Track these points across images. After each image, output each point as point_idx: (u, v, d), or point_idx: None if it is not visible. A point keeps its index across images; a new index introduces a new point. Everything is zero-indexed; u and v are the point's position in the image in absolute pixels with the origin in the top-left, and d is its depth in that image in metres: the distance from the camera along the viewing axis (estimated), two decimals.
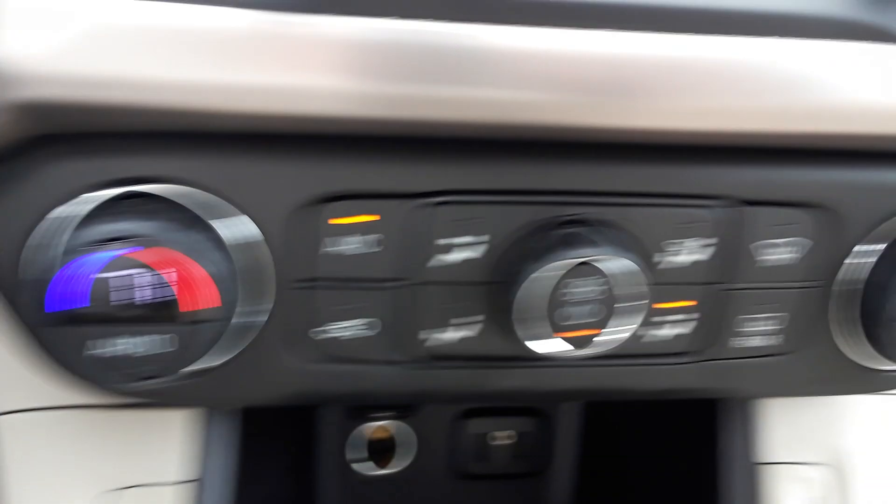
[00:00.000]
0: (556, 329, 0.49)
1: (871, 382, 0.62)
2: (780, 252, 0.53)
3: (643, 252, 0.52)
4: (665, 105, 0.48)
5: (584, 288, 0.48)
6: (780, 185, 0.52)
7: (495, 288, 0.50)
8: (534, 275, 0.48)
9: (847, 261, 0.55)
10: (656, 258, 0.53)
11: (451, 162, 0.48)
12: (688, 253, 0.53)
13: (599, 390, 0.57)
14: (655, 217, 0.51)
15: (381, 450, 1.08)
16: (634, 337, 0.55)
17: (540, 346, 0.50)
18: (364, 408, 1.03)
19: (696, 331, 0.55)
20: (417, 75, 0.45)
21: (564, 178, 0.50)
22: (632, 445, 0.96)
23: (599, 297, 0.48)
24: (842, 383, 0.61)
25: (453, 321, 0.51)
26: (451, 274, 0.50)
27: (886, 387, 0.64)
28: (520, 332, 0.49)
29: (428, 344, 0.52)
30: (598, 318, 0.49)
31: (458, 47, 0.44)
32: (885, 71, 0.49)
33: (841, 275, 0.56)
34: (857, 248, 0.55)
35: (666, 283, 0.53)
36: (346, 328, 0.50)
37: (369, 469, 1.04)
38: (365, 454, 1.03)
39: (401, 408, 1.04)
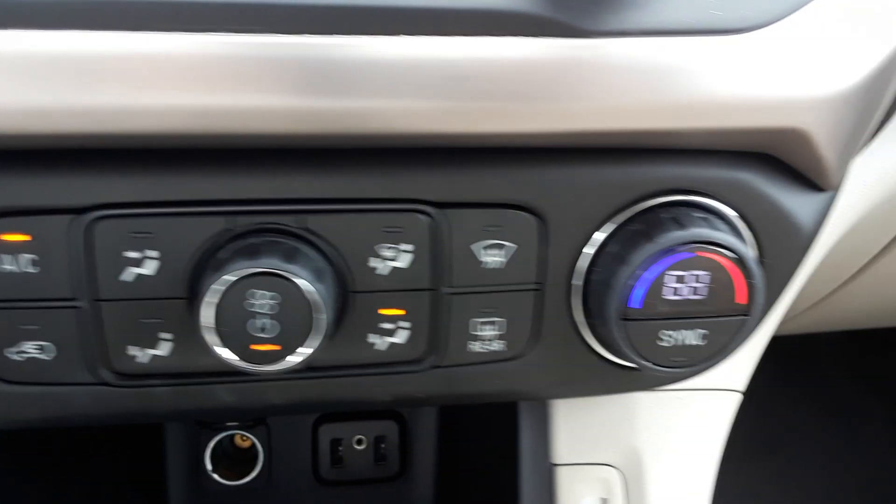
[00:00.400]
0: (235, 344, 0.47)
1: (633, 380, 0.60)
2: (491, 256, 0.52)
3: (344, 260, 0.50)
4: (353, 106, 0.46)
5: (262, 301, 0.47)
6: (478, 188, 0.50)
7: (177, 304, 0.49)
8: (210, 288, 0.46)
9: (580, 258, 0.54)
10: (373, 263, 0.51)
11: (109, 174, 0.46)
12: (392, 260, 0.51)
13: (321, 402, 0.55)
14: (348, 224, 0.49)
15: (244, 459, 1.06)
16: (366, 345, 0.53)
17: (225, 362, 0.48)
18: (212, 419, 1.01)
19: (412, 339, 0.53)
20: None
21: (244, 186, 0.48)
22: (473, 447, 0.95)
23: (273, 313, 0.46)
24: (602, 382, 0.60)
25: (142, 340, 0.50)
26: (130, 292, 0.48)
27: (653, 384, 0.62)
28: (204, 349, 0.47)
29: (120, 363, 0.50)
30: (276, 335, 0.47)
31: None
32: (573, 67, 0.47)
33: (575, 273, 0.54)
34: (586, 245, 0.53)
35: (379, 291, 0.52)
36: (21, 351, 0.48)
37: (222, 480, 1.02)
38: (215, 466, 1.02)
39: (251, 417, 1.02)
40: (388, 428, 1.05)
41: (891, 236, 0.91)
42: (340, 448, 1.04)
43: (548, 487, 0.70)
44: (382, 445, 1.05)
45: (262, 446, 1.03)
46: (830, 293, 1.10)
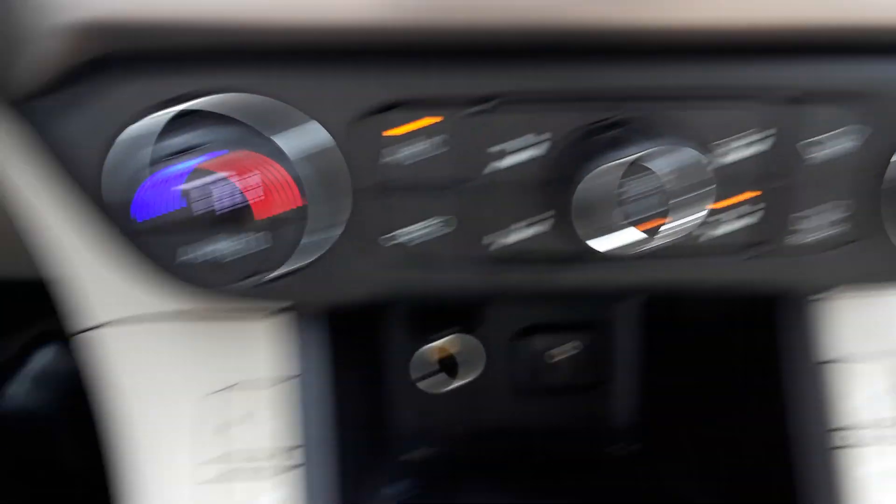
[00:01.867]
0: (619, 223, 0.50)
1: None
2: (839, 143, 0.54)
3: (702, 146, 0.53)
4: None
5: (649, 180, 0.50)
6: (834, 78, 0.52)
7: (559, 186, 0.52)
8: (593, 171, 0.49)
9: None
10: (716, 153, 0.54)
11: (506, 67, 0.50)
12: (745, 146, 0.53)
13: (661, 285, 0.58)
14: (711, 114, 0.52)
15: (445, 368, 1.10)
16: (693, 236, 0.56)
17: (604, 241, 0.51)
18: (426, 325, 1.05)
19: (757, 224, 0.56)
20: None
21: (620, 78, 0.51)
22: (692, 352, 0.97)
23: (662, 188, 0.49)
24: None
25: (518, 221, 0.53)
26: (514, 174, 0.52)
27: None
28: (582, 229, 0.51)
29: (494, 244, 0.54)
30: (663, 209, 0.50)
31: None
32: None
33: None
34: None
35: (724, 180, 0.54)
36: (415, 232, 0.53)
37: (433, 385, 1.07)
38: (432, 368, 1.06)
39: (461, 325, 1.05)
40: (591, 337, 1.07)
41: None
42: (544, 358, 1.07)
43: (817, 385, 0.71)
44: (584, 355, 1.07)
45: (473, 354, 1.07)
46: None
